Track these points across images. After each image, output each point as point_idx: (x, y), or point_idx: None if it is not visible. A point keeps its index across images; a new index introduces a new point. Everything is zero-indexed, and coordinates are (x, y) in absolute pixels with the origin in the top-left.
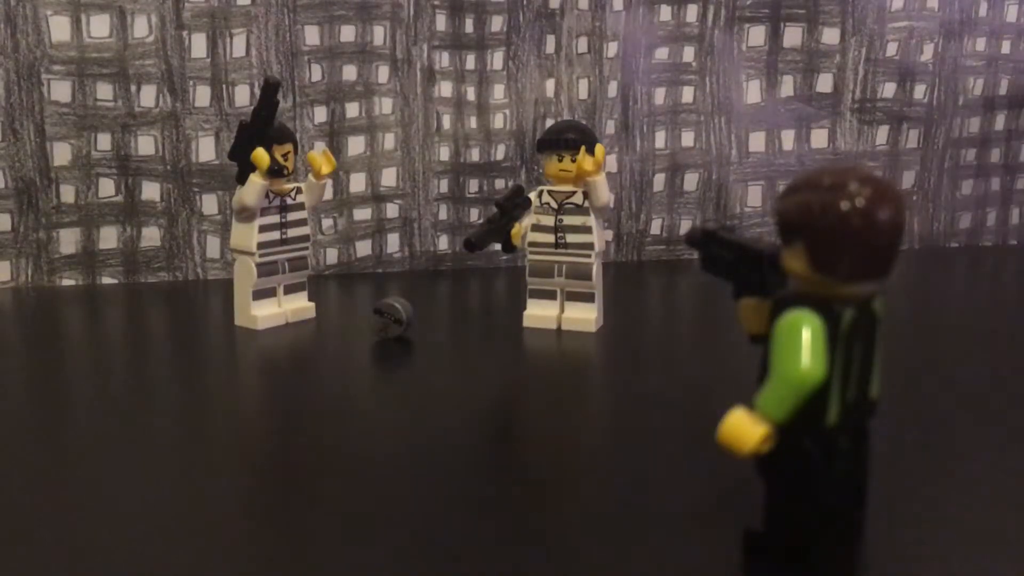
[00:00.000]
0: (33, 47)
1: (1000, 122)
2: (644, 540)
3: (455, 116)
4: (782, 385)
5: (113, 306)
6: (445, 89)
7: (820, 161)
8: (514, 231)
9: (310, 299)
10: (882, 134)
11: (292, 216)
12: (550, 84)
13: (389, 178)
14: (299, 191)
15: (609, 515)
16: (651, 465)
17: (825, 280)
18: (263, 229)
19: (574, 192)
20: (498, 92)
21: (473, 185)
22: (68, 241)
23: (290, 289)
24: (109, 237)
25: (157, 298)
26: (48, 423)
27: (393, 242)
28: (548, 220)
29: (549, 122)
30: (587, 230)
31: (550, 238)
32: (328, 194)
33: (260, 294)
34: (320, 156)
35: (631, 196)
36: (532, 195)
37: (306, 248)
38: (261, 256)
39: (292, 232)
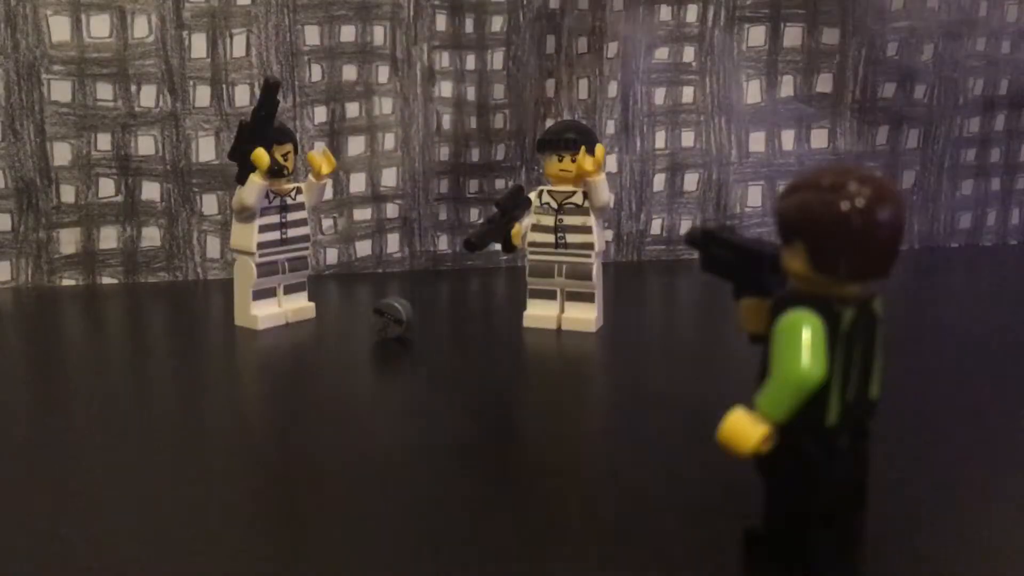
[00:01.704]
0: (33, 47)
1: (1000, 122)
2: (644, 540)
3: (455, 116)
4: (782, 385)
5: (113, 306)
6: (445, 89)
7: (820, 161)
8: (514, 231)
9: (310, 299)
10: (882, 134)
11: (292, 216)
12: (550, 84)
13: (389, 178)
14: (299, 191)
15: (609, 515)
16: (651, 465)
17: (825, 280)
18: (263, 229)
19: (574, 192)
20: (498, 92)
21: (473, 185)
22: (68, 241)
23: (290, 289)
24: (109, 237)
25: (157, 298)
26: (48, 423)
27: (393, 242)
28: (548, 220)
29: (549, 122)
30: (587, 230)
31: (550, 238)
32: (328, 194)
33: (260, 294)
34: (320, 156)
35: (631, 196)
36: (532, 195)
37: (306, 248)
38: (261, 256)
39: (292, 232)
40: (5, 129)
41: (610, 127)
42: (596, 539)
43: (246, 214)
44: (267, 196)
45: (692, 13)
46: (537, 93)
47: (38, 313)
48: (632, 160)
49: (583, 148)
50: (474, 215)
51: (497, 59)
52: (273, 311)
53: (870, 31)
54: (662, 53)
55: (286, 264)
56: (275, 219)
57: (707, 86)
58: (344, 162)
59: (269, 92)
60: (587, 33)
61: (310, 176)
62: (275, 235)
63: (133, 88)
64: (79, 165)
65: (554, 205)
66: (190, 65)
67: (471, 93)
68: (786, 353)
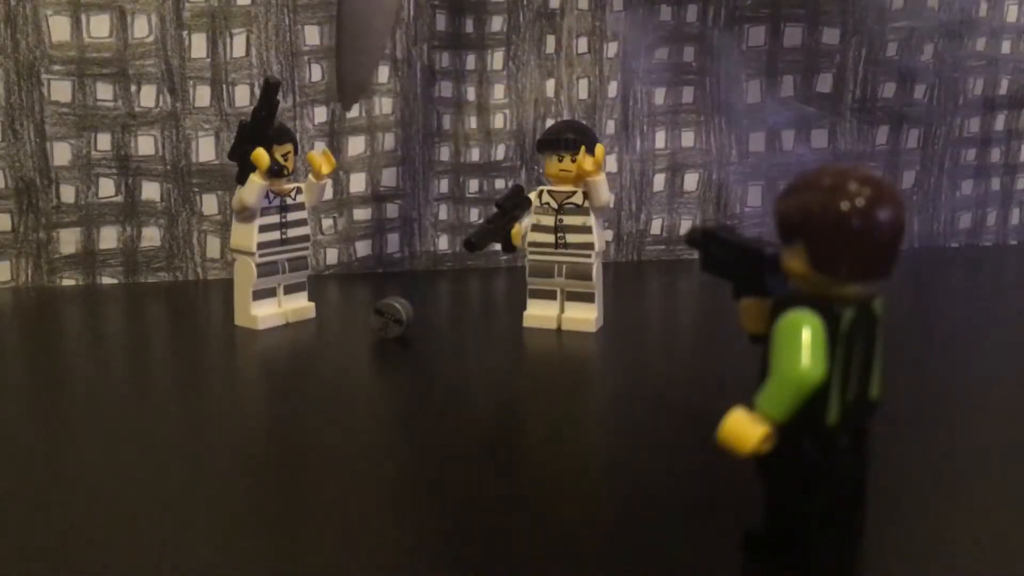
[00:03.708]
0: (33, 47)
1: (1000, 122)
2: (644, 540)
3: (455, 116)
4: (782, 385)
5: (113, 306)
6: (445, 89)
7: (820, 161)
8: (514, 231)
9: (310, 299)
10: (882, 134)
11: (292, 216)
12: (550, 84)
13: (389, 178)
14: (299, 191)
15: (608, 514)
16: (651, 465)
17: (825, 280)
18: (263, 229)
19: (574, 192)
20: (498, 92)
21: (473, 185)
22: (68, 241)
23: (290, 289)
24: (109, 237)
25: (157, 298)
26: (48, 423)
27: (393, 242)
28: (548, 220)
29: (549, 122)
30: (587, 230)
31: (550, 238)
32: (328, 194)
33: (260, 294)
34: (320, 156)
35: (631, 196)
36: (532, 195)
37: (306, 248)
38: (261, 256)
39: (292, 232)
40: (5, 129)
41: (610, 127)
42: (596, 539)
43: (246, 214)
44: (267, 196)
45: (692, 13)
46: (537, 93)
47: (38, 313)
48: (632, 160)
49: (583, 148)
50: (474, 215)
51: (497, 59)
52: (273, 311)
53: (870, 31)
54: (662, 53)
55: (286, 264)
56: (275, 219)
57: (707, 86)
58: (344, 162)
59: (269, 92)
60: (587, 33)
61: (310, 176)
62: (275, 235)
63: (133, 88)
64: (79, 165)
65: (554, 205)
66: (190, 65)
67: (471, 93)
68: (786, 353)
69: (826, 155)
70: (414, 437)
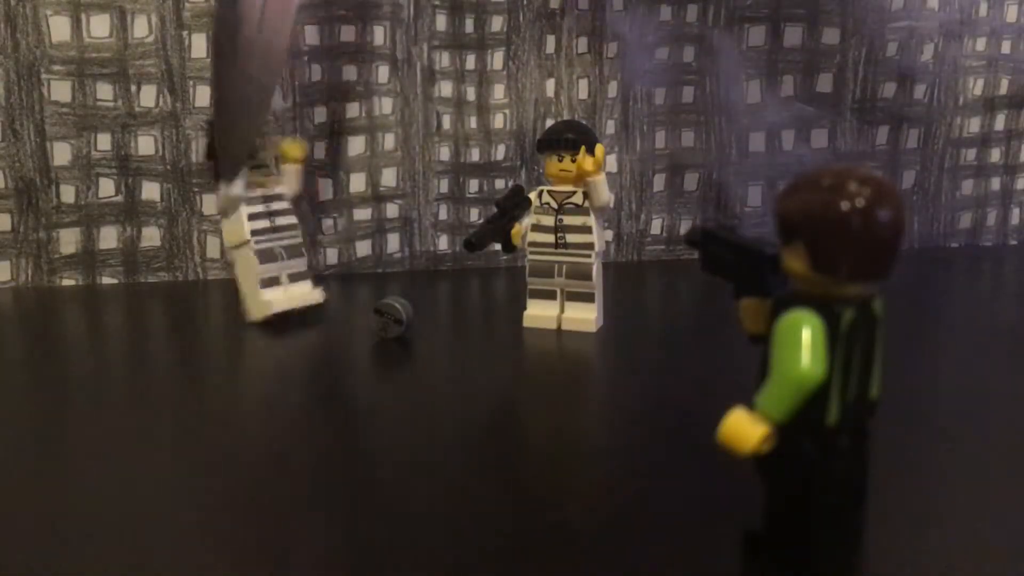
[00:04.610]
0: (33, 47)
1: (1000, 122)
2: (644, 540)
3: (455, 116)
4: (782, 385)
5: (113, 306)
6: (445, 89)
7: (820, 161)
8: (514, 231)
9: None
10: (882, 134)
11: (276, 206)
12: (550, 84)
13: (389, 178)
14: (278, 182)
15: (608, 515)
16: (651, 465)
17: (825, 280)
18: (251, 218)
19: (574, 192)
20: (498, 92)
21: (473, 185)
22: (68, 241)
23: (294, 278)
24: (109, 237)
25: (157, 298)
26: (48, 423)
27: (393, 242)
28: (548, 220)
29: (549, 122)
30: (587, 230)
31: (550, 238)
32: (328, 194)
33: (265, 283)
34: (288, 143)
35: (631, 196)
36: (532, 195)
37: (298, 236)
38: (257, 243)
39: (280, 220)
40: (5, 129)
41: (610, 127)
42: (596, 539)
43: (233, 204)
44: (250, 191)
45: (692, 13)
46: (537, 93)
47: (38, 313)
48: (632, 160)
49: (583, 148)
50: (474, 215)
51: (497, 59)
52: (281, 296)
53: (870, 31)
54: (662, 53)
55: (283, 252)
56: (260, 208)
57: (707, 86)
58: (344, 162)
59: None
60: (587, 33)
61: (285, 165)
62: (265, 223)
63: (133, 88)
64: (79, 165)
65: (554, 205)
66: (190, 65)
67: (471, 93)
68: (786, 353)
69: (826, 155)
70: (413, 437)
